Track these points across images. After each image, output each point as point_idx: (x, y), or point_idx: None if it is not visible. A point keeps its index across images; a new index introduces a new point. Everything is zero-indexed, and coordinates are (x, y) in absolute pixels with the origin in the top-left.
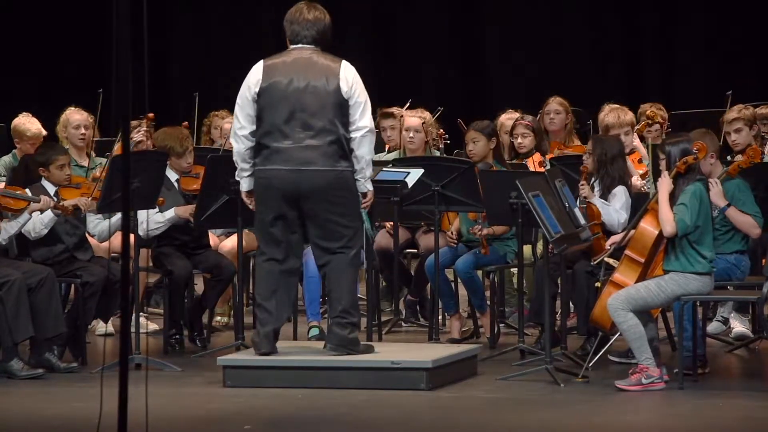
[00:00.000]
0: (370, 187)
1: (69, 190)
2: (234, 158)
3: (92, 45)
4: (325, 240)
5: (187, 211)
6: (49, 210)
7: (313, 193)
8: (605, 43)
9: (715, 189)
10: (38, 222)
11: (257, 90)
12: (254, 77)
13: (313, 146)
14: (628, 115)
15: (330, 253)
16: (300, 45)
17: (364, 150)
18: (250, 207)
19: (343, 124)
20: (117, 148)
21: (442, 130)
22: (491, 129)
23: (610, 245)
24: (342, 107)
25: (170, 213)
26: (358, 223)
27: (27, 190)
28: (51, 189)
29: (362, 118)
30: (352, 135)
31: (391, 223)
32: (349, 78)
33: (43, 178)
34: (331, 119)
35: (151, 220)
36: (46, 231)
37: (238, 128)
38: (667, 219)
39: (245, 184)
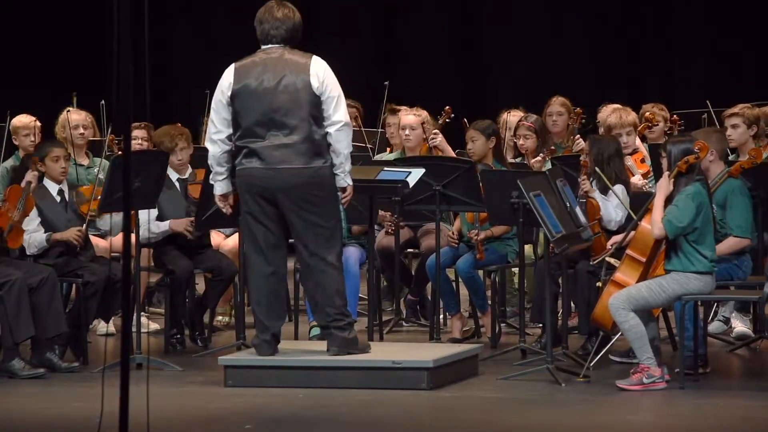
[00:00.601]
0: (349, 181)
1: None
2: (209, 162)
3: (92, 46)
4: (303, 239)
5: (181, 225)
6: (44, 236)
7: (289, 192)
8: (605, 43)
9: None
10: (32, 245)
11: (230, 94)
12: (226, 81)
13: (287, 145)
14: (631, 116)
15: (310, 253)
16: (270, 45)
17: (341, 144)
18: (224, 210)
19: (317, 121)
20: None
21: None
22: (492, 129)
23: (611, 245)
24: (315, 104)
25: (165, 226)
26: (334, 222)
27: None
28: (53, 187)
29: (336, 113)
30: (328, 130)
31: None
32: (319, 73)
33: (44, 177)
34: (305, 117)
35: (144, 229)
36: (38, 252)
37: (213, 132)
38: (655, 222)
39: (218, 188)
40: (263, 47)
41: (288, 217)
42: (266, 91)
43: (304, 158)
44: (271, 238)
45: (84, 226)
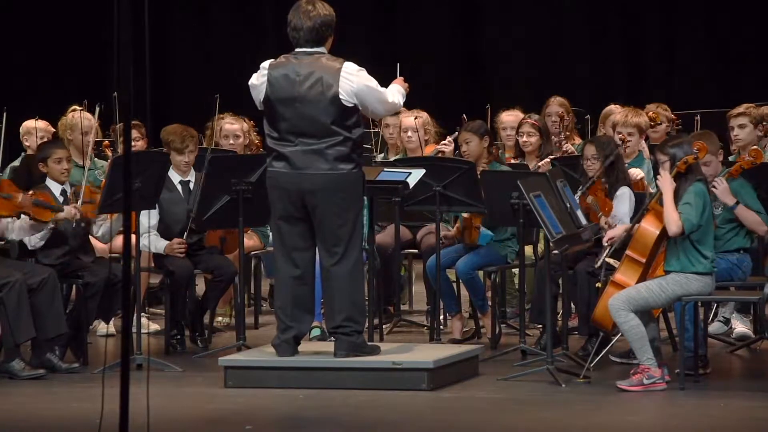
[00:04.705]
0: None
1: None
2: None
3: (93, 48)
4: (323, 243)
5: (172, 248)
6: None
7: (314, 195)
8: (605, 43)
9: (723, 186)
10: (34, 237)
11: (261, 98)
12: (258, 81)
13: (314, 150)
14: (639, 118)
15: (330, 255)
16: (301, 48)
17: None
18: None
19: (345, 127)
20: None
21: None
22: (484, 129)
23: (607, 241)
24: (343, 111)
25: (161, 247)
26: (354, 229)
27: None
28: (55, 188)
29: (378, 111)
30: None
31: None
32: (351, 81)
33: (47, 178)
34: (331, 122)
35: (144, 245)
36: (41, 243)
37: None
38: (672, 219)
39: None
40: (296, 50)
41: (313, 220)
42: (295, 96)
43: (331, 163)
44: (297, 241)
45: (78, 205)
